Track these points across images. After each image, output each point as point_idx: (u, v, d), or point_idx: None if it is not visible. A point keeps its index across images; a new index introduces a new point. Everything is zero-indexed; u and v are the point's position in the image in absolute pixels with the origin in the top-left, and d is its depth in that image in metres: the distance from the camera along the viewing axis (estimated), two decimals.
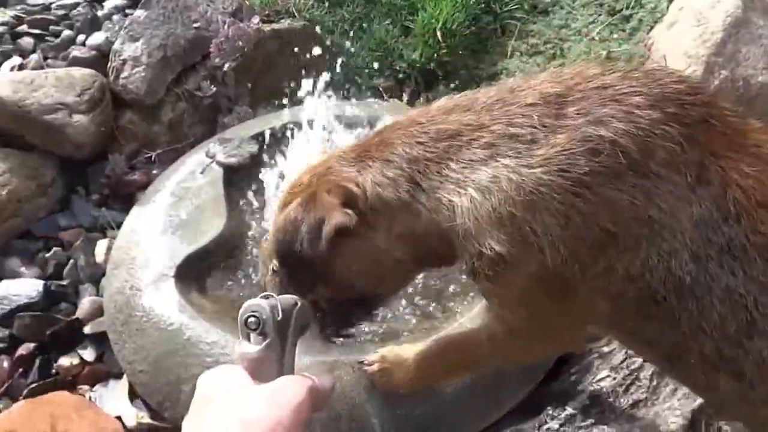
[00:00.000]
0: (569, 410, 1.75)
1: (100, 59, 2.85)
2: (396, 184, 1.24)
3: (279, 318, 1.03)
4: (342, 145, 1.46)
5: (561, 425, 1.73)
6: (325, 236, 1.22)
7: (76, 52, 2.84)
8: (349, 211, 1.24)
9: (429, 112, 1.29)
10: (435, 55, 3.14)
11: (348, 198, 1.26)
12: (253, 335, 1.02)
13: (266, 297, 1.05)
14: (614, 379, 1.81)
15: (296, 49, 2.90)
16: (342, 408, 1.65)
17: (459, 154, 1.20)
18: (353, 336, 1.65)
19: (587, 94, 1.17)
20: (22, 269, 2.37)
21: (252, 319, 1.02)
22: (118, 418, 1.94)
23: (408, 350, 1.59)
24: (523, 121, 1.17)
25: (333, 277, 1.31)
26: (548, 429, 1.73)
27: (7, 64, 2.80)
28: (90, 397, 2.05)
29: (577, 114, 1.15)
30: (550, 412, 1.75)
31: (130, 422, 1.92)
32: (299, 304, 1.09)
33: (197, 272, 2.07)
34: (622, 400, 1.78)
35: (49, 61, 2.86)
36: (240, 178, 2.36)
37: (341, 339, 1.54)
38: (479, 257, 1.19)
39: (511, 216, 1.14)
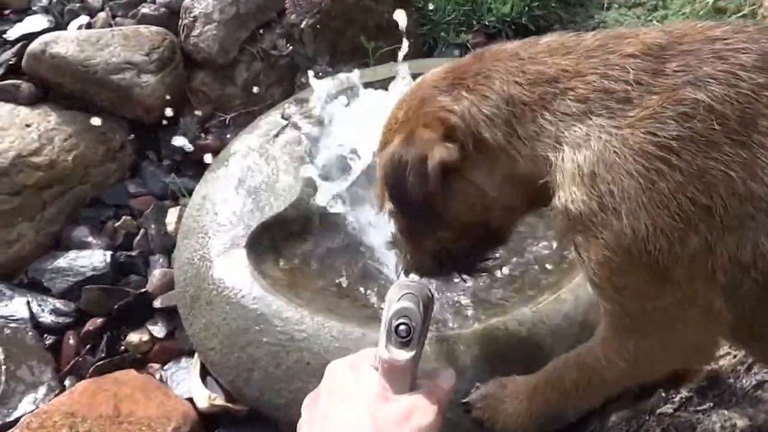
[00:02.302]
0: (684, 393, 1.60)
1: (170, 17, 2.71)
2: (493, 124, 1.16)
3: (422, 317, 1.07)
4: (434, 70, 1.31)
5: (675, 409, 1.57)
6: (432, 175, 1.16)
7: (145, 9, 2.71)
8: (450, 145, 1.17)
9: (533, 47, 1.20)
10: (527, 8, 3.01)
11: (448, 130, 1.18)
12: (409, 341, 1.04)
13: (405, 287, 1.09)
14: (734, 356, 1.63)
15: (377, 5, 2.76)
16: None
17: (554, 104, 1.13)
18: (484, 272, 1.54)
19: (692, 47, 1.09)
20: (90, 239, 2.26)
21: (403, 327, 1.04)
22: (190, 399, 1.79)
23: (514, 382, 1.43)
24: (619, 74, 1.10)
25: (447, 213, 1.25)
26: (661, 414, 1.57)
27: (75, 23, 2.68)
28: (161, 377, 1.92)
29: (676, 71, 1.07)
30: (663, 394, 1.60)
31: (202, 404, 1.76)
32: (430, 293, 1.12)
33: (271, 241, 1.91)
34: (744, 380, 1.59)
35: (117, 19, 2.74)
36: (315, 141, 2.16)
37: (471, 279, 1.51)
38: (559, 212, 1.13)
39: (592, 175, 1.07)
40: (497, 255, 1.53)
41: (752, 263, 1.05)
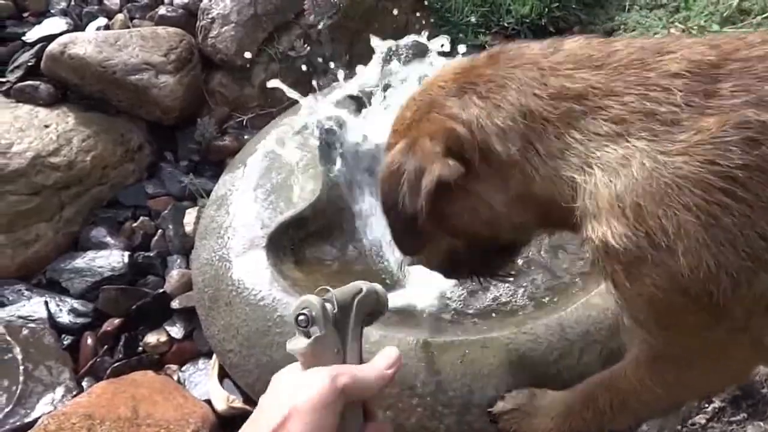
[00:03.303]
0: (717, 403, 1.56)
1: (188, 18, 2.71)
2: (507, 138, 1.07)
3: (335, 311, 1.07)
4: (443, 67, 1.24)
5: (708, 420, 1.54)
6: (425, 191, 1.09)
7: (162, 10, 2.71)
8: (451, 163, 1.09)
9: (555, 55, 1.10)
10: (546, 9, 2.96)
11: (453, 143, 1.10)
12: (311, 330, 1.04)
13: (325, 291, 1.09)
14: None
15: (395, 6, 2.73)
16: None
17: (582, 122, 1.03)
18: (503, 279, 1.50)
19: (747, 65, 0.98)
20: (108, 239, 2.24)
21: (302, 317, 1.04)
22: (208, 401, 1.77)
23: (546, 396, 1.38)
24: (663, 96, 0.99)
25: (451, 224, 1.20)
26: (693, 424, 1.54)
27: (93, 25, 2.70)
28: (178, 378, 1.90)
29: (733, 92, 0.96)
30: (695, 404, 1.56)
31: (220, 406, 1.74)
32: (364, 291, 1.10)
33: (291, 242, 1.89)
34: None
35: (135, 21, 2.75)
36: (335, 141, 2.13)
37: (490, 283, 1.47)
38: (593, 245, 1.03)
39: (636, 207, 0.97)
40: (518, 262, 1.51)
41: None
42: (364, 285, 1.12)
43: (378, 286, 1.14)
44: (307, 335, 1.04)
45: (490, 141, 1.08)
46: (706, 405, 1.55)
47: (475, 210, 1.16)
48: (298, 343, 1.05)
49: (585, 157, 1.02)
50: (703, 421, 1.52)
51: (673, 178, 0.95)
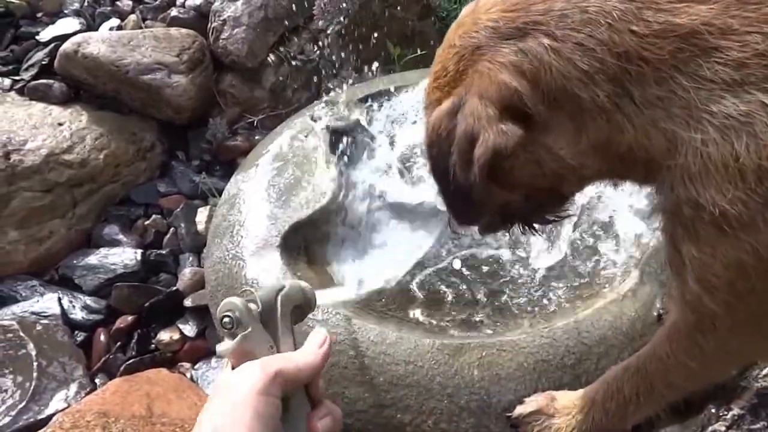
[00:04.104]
0: (736, 410, 1.51)
1: (199, 20, 2.72)
2: (591, 81, 0.92)
3: (259, 309, 1.09)
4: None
5: (728, 427, 1.49)
6: (480, 162, 0.97)
7: (174, 12, 2.72)
8: (507, 128, 0.96)
9: None
10: None
11: (510, 100, 0.96)
12: (237, 331, 1.06)
13: (248, 292, 1.12)
14: None
15: (402, 13, 2.75)
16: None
17: (691, 65, 0.88)
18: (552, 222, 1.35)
19: None
20: (121, 237, 2.26)
21: (226, 319, 1.06)
22: None
23: (566, 396, 1.34)
24: None
25: (505, 182, 1.07)
26: (713, 431, 1.49)
27: (106, 26, 2.71)
28: (191, 376, 1.90)
29: None
30: (714, 411, 1.51)
31: None
32: (287, 287, 1.13)
33: (305, 242, 1.89)
34: None
35: (147, 22, 2.76)
36: (346, 142, 2.15)
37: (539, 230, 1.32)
38: (694, 208, 0.91)
39: (759, 171, 0.85)
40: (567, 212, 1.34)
41: None
42: (287, 282, 1.14)
43: (303, 283, 1.18)
44: (234, 336, 1.06)
45: (570, 87, 0.93)
46: (725, 412, 1.51)
47: (540, 163, 1.03)
48: (225, 345, 1.07)
49: (694, 109, 0.89)
50: (723, 429, 1.50)
51: None
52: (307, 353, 1.08)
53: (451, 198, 1.10)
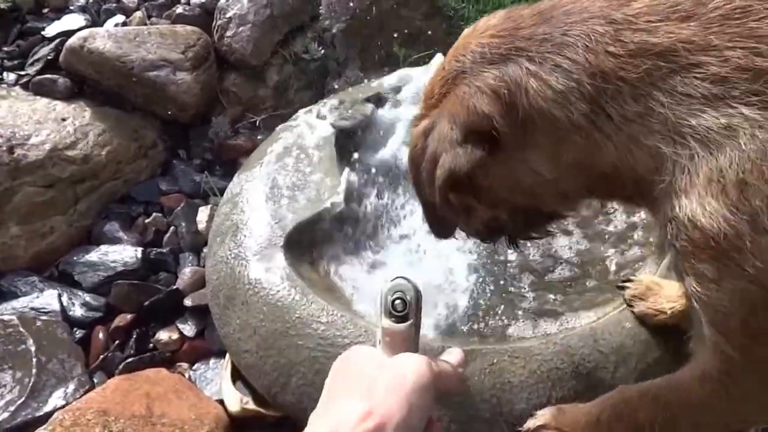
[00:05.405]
0: None
1: (204, 17, 2.72)
2: (567, 101, 0.94)
3: (418, 298, 1.07)
4: (483, 24, 1.08)
5: None
6: (437, 185, 1.02)
7: (180, 9, 2.72)
8: (465, 151, 0.99)
9: (628, 8, 0.94)
10: None
11: (475, 125, 0.99)
12: (406, 315, 1.04)
13: (402, 278, 1.07)
14: None
15: (409, 12, 2.73)
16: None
17: (669, 82, 0.88)
18: (539, 238, 1.37)
19: None
20: (121, 234, 2.25)
21: (398, 301, 1.04)
22: (220, 401, 1.76)
23: (575, 409, 1.29)
24: None
25: (487, 200, 1.12)
26: None
27: (111, 22, 2.70)
28: (189, 377, 1.89)
29: None
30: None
31: (233, 407, 1.72)
32: (420, 286, 1.10)
33: (309, 242, 1.87)
34: None
35: (152, 19, 2.75)
36: (352, 142, 2.15)
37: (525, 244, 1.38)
38: (677, 224, 0.90)
39: (742, 185, 0.83)
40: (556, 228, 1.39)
41: None
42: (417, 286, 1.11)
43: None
44: (402, 320, 1.04)
45: (546, 107, 0.95)
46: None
47: (518, 181, 1.05)
48: (394, 324, 1.04)
49: (674, 125, 0.88)
50: None
51: None
52: (454, 367, 1.07)
53: (427, 214, 1.17)
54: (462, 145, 0.99)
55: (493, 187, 1.08)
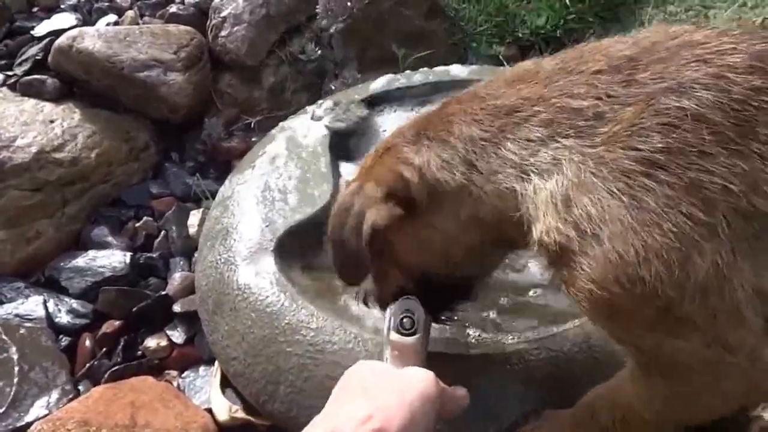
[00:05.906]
0: None
1: (199, 17, 2.69)
2: (451, 167, 1.13)
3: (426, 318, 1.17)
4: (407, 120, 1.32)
5: None
6: (365, 235, 1.16)
7: (174, 8, 2.68)
8: (384, 208, 1.17)
9: (492, 83, 1.17)
10: (562, 21, 2.91)
11: (396, 187, 1.17)
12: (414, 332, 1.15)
13: (410, 298, 1.20)
14: None
15: (409, 12, 2.69)
16: None
17: (516, 133, 1.07)
18: (455, 315, 1.49)
19: (667, 54, 1.00)
20: (110, 239, 2.20)
21: (406, 320, 1.15)
22: (209, 410, 1.71)
23: (558, 414, 1.33)
24: (586, 91, 1.03)
25: (400, 262, 1.27)
26: None
27: (102, 21, 2.67)
28: (178, 384, 1.84)
29: (651, 80, 0.98)
30: None
31: (222, 416, 1.67)
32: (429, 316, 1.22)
33: (301, 247, 1.82)
34: None
35: (145, 18, 2.72)
36: (347, 145, 2.10)
37: (444, 319, 1.45)
38: (542, 251, 1.05)
39: (566, 200, 0.99)
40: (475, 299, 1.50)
41: None
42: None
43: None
44: (410, 336, 1.14)
45: (438, 174, 1.13)
46: None
47: (428, 241, 1.21)
48: (403, 338, 1.14)
49: (521, 166, 1.06)
50: None
51: (597, 167, 0.97)
52: (459, 391, 1.14)
53: (340, 262, 1.27)
54: (384, 202, 1.17)
55: (410, 249, 1.23)
